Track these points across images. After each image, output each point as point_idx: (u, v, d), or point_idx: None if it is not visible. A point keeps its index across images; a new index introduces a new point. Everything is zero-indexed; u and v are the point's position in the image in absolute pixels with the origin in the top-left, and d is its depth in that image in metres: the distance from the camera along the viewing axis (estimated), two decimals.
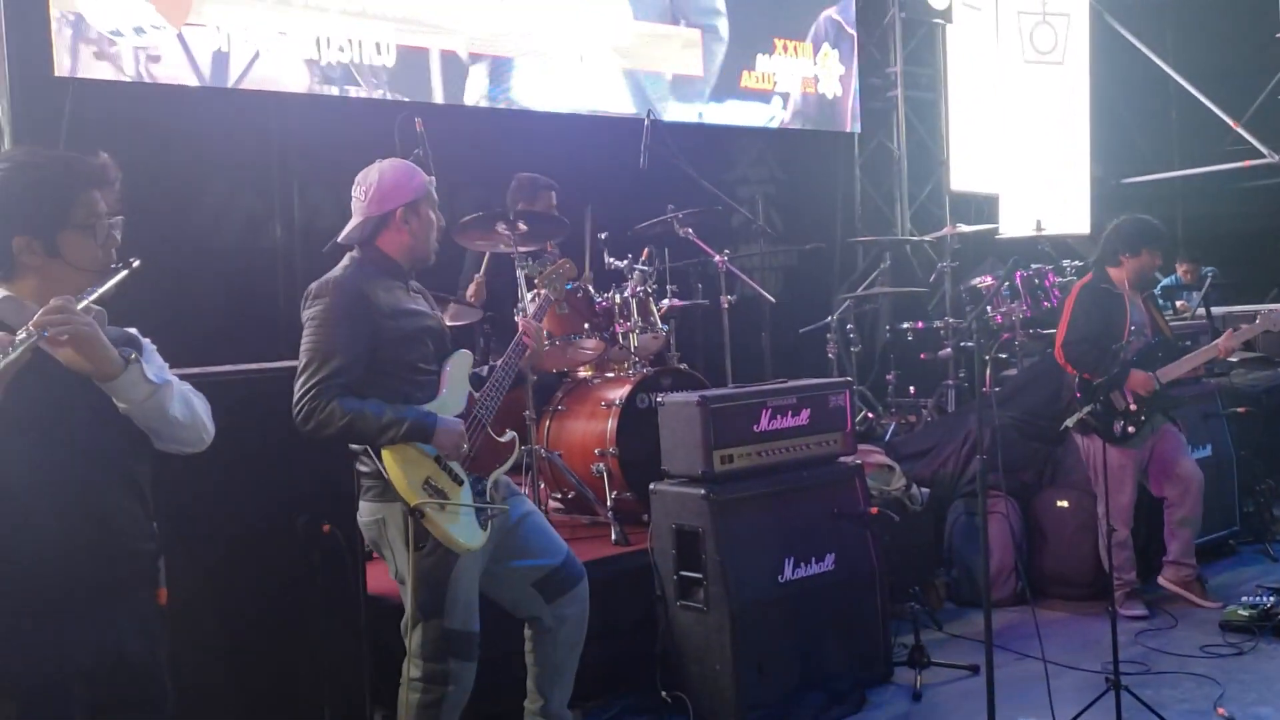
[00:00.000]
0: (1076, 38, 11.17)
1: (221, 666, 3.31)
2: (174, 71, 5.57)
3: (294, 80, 5.95)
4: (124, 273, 2.16)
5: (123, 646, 2.16)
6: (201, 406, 2.31)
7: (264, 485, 3.40)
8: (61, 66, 5.28)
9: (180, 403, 2.21)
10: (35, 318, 1.98)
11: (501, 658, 3.42)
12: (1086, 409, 4.76)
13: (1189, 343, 5.33)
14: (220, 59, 5.69)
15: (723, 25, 7.87)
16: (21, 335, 1.96)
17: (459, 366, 3.25)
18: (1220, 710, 3.85)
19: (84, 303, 2.07)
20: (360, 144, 5.19)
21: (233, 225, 6.07)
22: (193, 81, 5.63)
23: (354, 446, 3.10)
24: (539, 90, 6.91)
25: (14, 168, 2.17)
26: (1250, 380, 6.78)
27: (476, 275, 5.22)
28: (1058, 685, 3.93)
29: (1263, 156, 11.56)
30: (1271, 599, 4.68)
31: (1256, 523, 6.02)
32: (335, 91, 6.08)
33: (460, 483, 3.10)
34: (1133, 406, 4.89)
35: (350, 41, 6.09)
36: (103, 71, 5.37)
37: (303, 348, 3.05)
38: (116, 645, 2.15)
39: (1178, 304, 8.26)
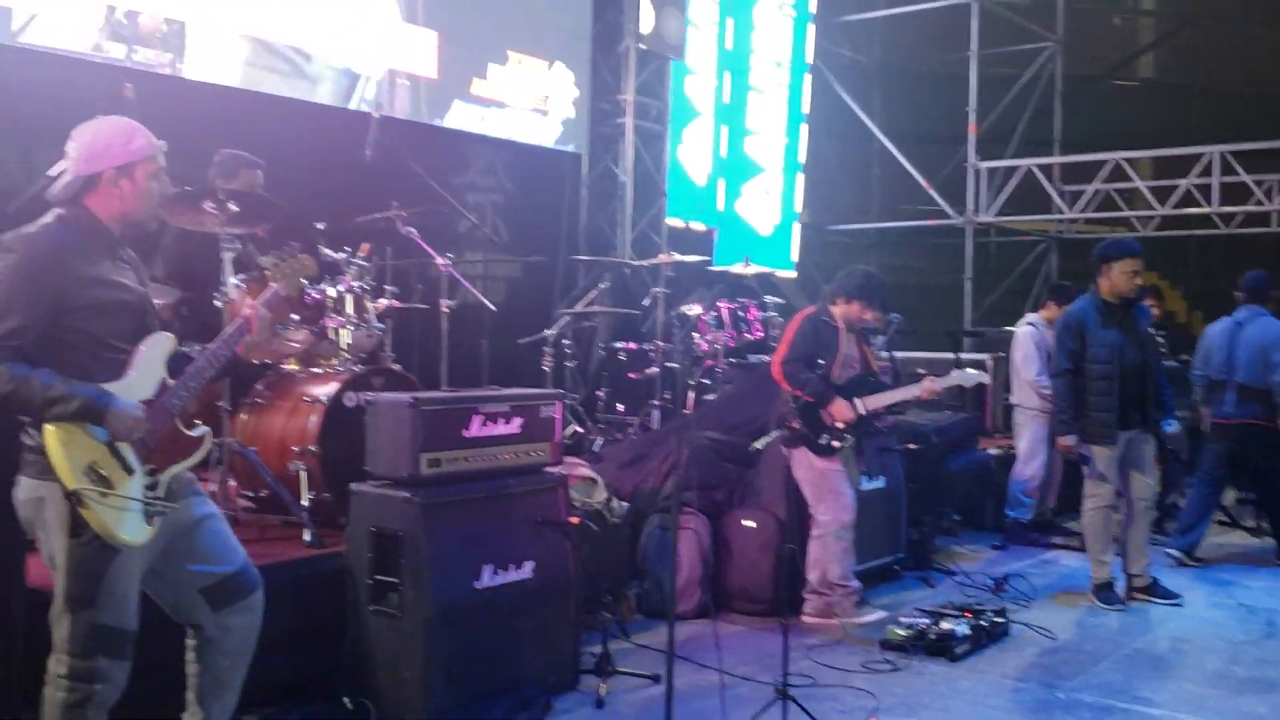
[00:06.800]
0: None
1: None
2: None
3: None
4: None
5: None
6: None
7: None
8: None
9: None
10: None
11: (163, 663, 3.24)
12: (775, 434, 5.08)
13: (887, 380, 5.79)
14: None
15: (460, 30, 7.83)
16: None
17: (156, 348, 3.04)
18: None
19: None
20: (60, 101, 4.83)
21: None
22: None
23: (22, 417, 2.85)
24: (265, 73, 6.63)
25: None
26: (923, 420, 7.40)
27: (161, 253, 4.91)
28: (732, 695, 4.14)
29: (948, 217, 12.70)
30: (926, 621, 5.11)
31: (919, 551, 6.56)
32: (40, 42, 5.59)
33: (130, 473, 2.90)
34: (839, 424, 5.24)
35: None
36: None
37: None
38: None
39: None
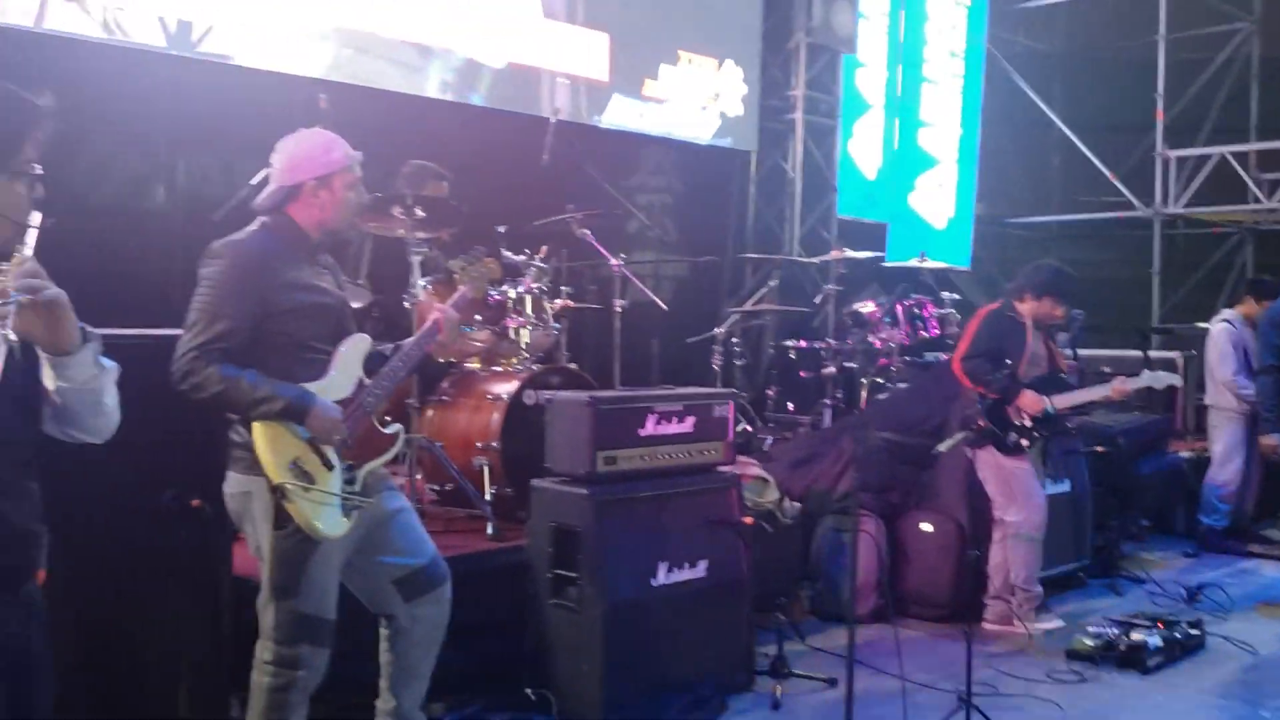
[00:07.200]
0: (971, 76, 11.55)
1: (73, 646, 3.18)
2: (65, 22, 5.32)
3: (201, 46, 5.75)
4: (36, 229, 1.88)
5: (12, 634, 1.95)
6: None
7: (129, 456, 3.25)
8: None
9: (112, 391, 2.03)
10: (12, 279, 1.76)
11: (361, 650, 3.38)
12: (960, 436, 4.95)
13: (1073, 380, 5.60)
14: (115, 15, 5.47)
15: (629, 32, 7.89)
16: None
17: (354, 349, 3.18)
18: None
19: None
20: (259, 113, 5.08)
21: (113, 185, 5.84)
22: (89, 33, 5.38)
23: (230, 415, 3.02)
24: (443, 80, 6.83)
25: None
26: (1109, 421, 7.10)
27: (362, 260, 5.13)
28: (911, 702, 4.06)
29: (1133, 209, 12.14)
30: (1116, 631, 4.90)
31: (1105, 558, 6.29)
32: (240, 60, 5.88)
33: (330, 468, 3.04)
34: (1028, 422, 5.11)
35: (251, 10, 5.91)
36: None
37: (192, 306, 2.98)
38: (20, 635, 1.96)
39: None
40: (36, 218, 1.89)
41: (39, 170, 1.96)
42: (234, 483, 3.09)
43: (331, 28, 6.23)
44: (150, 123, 5.72)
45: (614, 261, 5.72)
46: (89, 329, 1.96)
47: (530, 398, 4.73)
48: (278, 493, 2.91)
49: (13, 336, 1.75)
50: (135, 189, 5.90)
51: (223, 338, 2.93)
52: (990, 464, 5.21)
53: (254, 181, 3.89)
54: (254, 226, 3.14)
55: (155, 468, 3.32)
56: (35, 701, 2.00)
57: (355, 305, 4.93)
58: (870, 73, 10.17)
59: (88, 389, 1.98)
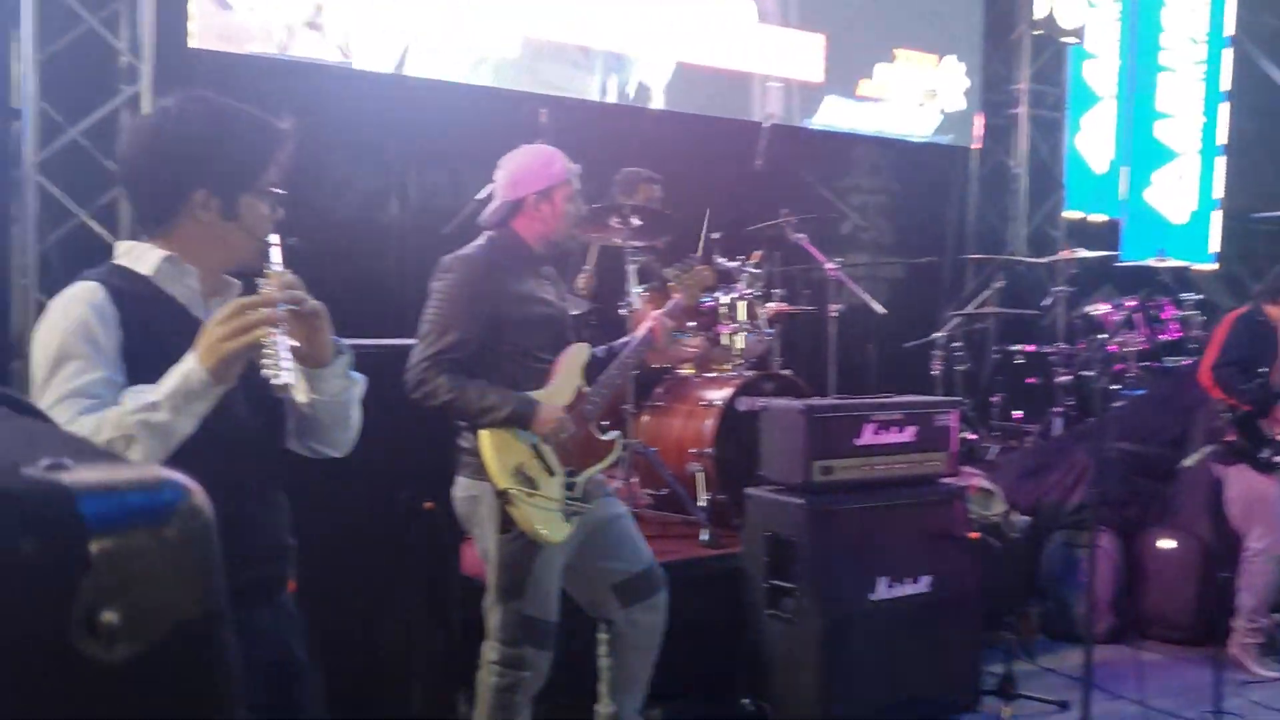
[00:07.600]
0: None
1: (311, 645, 3.34)
2: (307, 49, 5.64)
3: (425, 67, 5.99)
4: (278, 248, 1.92)
5: (272, 644, 1.98)
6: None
7: (367, 460, 3.42)
8: (195, 37, 5.37)
9: (358, 405, 2.06)
10: (277, 289, 1.80)
11: (583, 654, 3.43)
12: (1209, 449, 4.63)
13: None
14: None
15: (843, 32, 7.74)
16: (276, 309, 1.75)
17: (574, 358, 3.25)
18: None
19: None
20: (483, 128, 5.26)
21: (351, 201, 6.17)
22: (328, 58, 5.69)
23: (459, 422, 3.13)
24: (659, 88, 6.88)
25: (216, 113, 1.93)
26: None
27: (585, 267, 5.22)
28: None
29: None
30: None
31: None
32: (461, 79, 6.09)
33: (552, 474, 3.10)
34: None
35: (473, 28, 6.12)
36: (230, 44, 5.44)
37: (424, 318, 3.10)
38: (285, 643, 2.01)
39: None
40: (275, 237, 1.95)
41: (281, 191, 2.02)
42: (462, 486, 3.19)
43: (545, 40, 6.38)
44: (383, 140, 6.01)
45: (829, 265, 5.62)
46: (341, 342, 2.02)
47: (744, 404, 4.70)
48: (503, 498, 3.00)
49: (295, 343, 1.79)
50: (371, 204, 6.21)
51: (453, 348, 3.03)
52: (1239, 483, 4.83)
53: (479, 196, 4.03)
54: (481, 240, 3.25)
55: (390, 471, 3.47)
56: (303, 709, 2.07)
57: (574, 313, 5.05)
58: (1100, 63, 9.66)
59: (338, 401, 2.03)
